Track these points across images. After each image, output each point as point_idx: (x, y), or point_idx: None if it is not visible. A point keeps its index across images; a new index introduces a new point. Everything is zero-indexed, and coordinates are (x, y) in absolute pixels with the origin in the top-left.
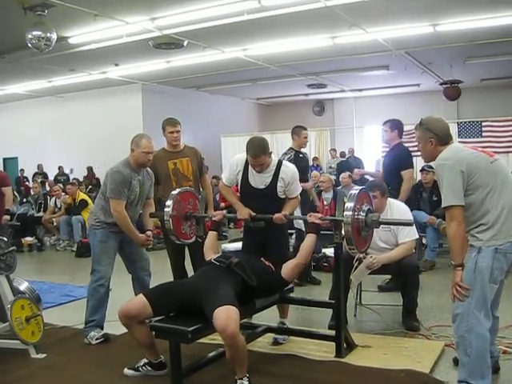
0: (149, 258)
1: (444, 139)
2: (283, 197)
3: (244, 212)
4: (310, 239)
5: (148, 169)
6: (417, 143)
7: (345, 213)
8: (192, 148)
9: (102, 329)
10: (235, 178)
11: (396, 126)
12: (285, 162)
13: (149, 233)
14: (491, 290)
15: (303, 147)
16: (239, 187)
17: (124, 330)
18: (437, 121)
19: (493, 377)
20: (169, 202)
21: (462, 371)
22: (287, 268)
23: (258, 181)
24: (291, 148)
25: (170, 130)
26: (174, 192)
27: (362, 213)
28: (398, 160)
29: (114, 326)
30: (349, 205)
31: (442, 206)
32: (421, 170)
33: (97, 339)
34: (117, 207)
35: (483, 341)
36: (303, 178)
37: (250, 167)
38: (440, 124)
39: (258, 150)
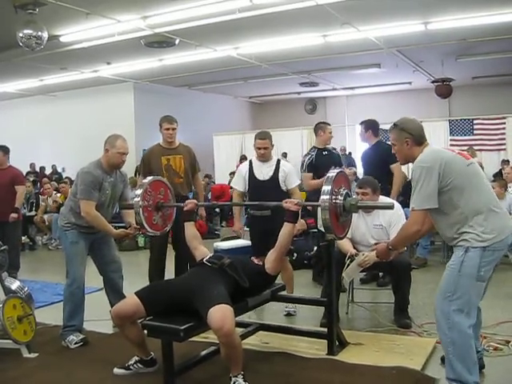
0: (121, 260)
1: (419, 139)
2: (284, 188)
3: (236, 226)
4: (287, 229)
5: (122, 170)
6: (395, 138)
7: (322, 197)
8: (186, 147)
9: (81, 332)
10: (243, 181)
11: (369, 126)
12: (282, 160)
13: (132, 225)
14: (479, 289)
15: (328, 144)
16: (248, 183)
17: (116, 328)
18: (411, 121)
19: (481, 374)
20: (138, 191)
21: (449, 369)
22: (269, 262)
23: (262, 172)
24: (314, 147)
25: (167, 126)
26: (145, 181)
27: (339, 197)
28: (386, 155)
29: (107, 325)
30: (326, 188)
31: (411, 206)
32: None
33: (76, 343)
34: (86, 208)
35: (465, 338)
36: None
37: (253, 165)
38: (414, 124)
39: (265, 134)
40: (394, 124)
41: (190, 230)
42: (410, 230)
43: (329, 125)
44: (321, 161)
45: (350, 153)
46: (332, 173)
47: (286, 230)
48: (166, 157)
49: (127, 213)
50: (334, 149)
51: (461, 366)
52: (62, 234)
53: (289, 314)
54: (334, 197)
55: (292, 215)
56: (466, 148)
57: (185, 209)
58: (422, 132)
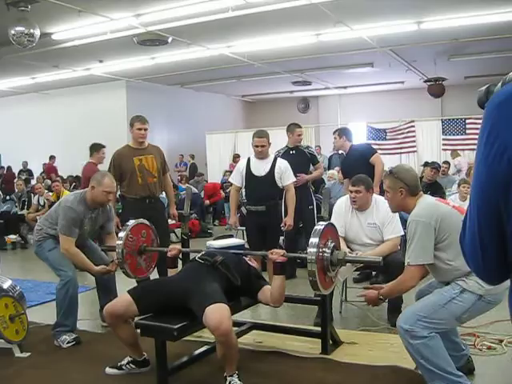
0: (106, 257)
1: (414, 190)
2: (279, 185)
3: (232, 220)
4: (278, 282)
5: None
6: (390, 186)
7: (309, 249)
8: (155, 147)
9: (73, 332)
10: (241, 176)
11: (343, 132)
12: (279, 158)
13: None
14: (452, 325)
15: (298, 144)
16: (244, 178)
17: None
18: (407, 171)
19: (473, 374)
20: (122, 234)
21: (426, 374)
22: (263, 297)
23: (259, 169)
24: (286, 146)
25: (139, 126)
26: (128, 223)
27: (327, 250)
28: (363, 153)
29: (98, 325)
30: (313, 240)
31: (406, 261)
32: (425, 165)
33: (68, 342)
34: (65, 245)
35: (430, 341)
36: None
37: (251, 162)
38: (410, 174)
39: (262, 132)
40: (390, 171)
41: None
42: (406, 285)
43: (299, 127)
44: (286, 158)
45: (342, 153)
46: (320, 226)
47: (276, 284)
48: (138, 157)
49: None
50: (308, 147)
51: (436, 369)
52: (38, 247)
53: None
54: (321, 250)
55: (279, 267)
56: (459, 148)
57: (168, 254)
58: (417, 183)
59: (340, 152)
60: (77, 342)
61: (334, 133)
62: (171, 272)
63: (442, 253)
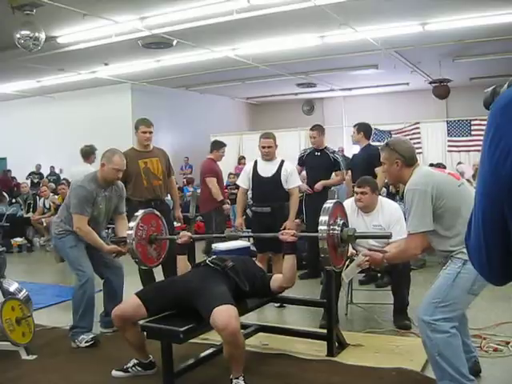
0: (122, 264)
1: (410, 161)
2: (285, 187)
3: (238, 221)
4: (289, 261)
5: (119, 182)
6: (386, 158)
7: (320, 227)
8: (160, 149)
9: (91, 331)
10: (248, 179)
11: (362, 128)
12: (286, 161)
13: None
14: (469, 300)
15: (316, 145)
16: (251, 180)
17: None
18: (403, 142)
19: (480, 376)
20: (132, 224)
21: (439, 372)
22: (276, 283)
23: (265, 170)
24: (312, 146)
25: (144, 129)
26: (137, 214)
27: (337, 227)
28: (372, 158)
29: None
30: (323, 218)
31: (408, 230)
32: (430, 165)
33: (86, 342)
34: (78, 223)
35: (450, 339)
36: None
37: (258, 164)
38: (406, 146)
39: (269, 134)
40: (386, 143)
41: (183, 263)
42: (409, 253)
43: (311, 129)
44: (309, 159)
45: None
46: (329, 204)
47: (288, 264)
48: (143, 160)
49: (120, 229)
50: (334, 152)
51: (450, 369)
52: (58, 241)
53: (281, 306)
54: (331, 227)
55: (290, 247)
56: (464, 149)
57: (179, 241)
58: (413, 154)
59: (345, 154)
60: (95, 341)
61: (354, 126)
62: (180, 260)
63: (440, 219)
